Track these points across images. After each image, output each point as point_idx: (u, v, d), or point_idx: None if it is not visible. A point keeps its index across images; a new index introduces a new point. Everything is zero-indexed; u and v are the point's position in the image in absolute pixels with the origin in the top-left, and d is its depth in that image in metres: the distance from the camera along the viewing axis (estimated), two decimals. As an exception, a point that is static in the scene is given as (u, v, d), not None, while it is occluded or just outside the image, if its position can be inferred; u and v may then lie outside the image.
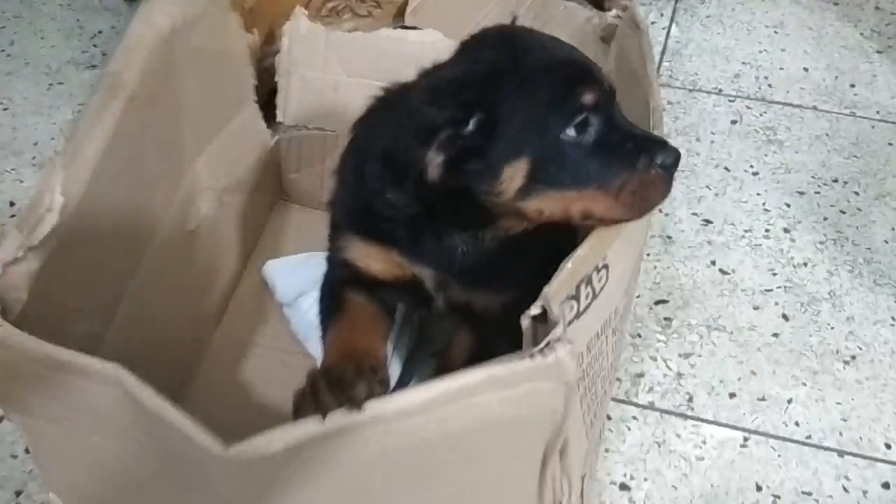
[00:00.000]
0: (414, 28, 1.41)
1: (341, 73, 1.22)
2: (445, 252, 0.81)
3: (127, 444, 0.65)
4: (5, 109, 1.59)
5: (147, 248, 0.93)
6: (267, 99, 1.27)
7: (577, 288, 0.68)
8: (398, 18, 1.46)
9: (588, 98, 0.71)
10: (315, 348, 1.12)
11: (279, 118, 1.24)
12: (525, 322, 0.64)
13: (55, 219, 0.71)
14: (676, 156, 0.72)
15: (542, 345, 0.61)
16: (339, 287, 0.90)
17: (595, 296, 0.71)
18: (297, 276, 1.17)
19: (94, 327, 0.83)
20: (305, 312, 1.14)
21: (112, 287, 0.87)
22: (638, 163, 0.71)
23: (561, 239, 0.77)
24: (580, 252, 0.68)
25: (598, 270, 0.71)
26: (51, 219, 0.71)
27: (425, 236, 0.80)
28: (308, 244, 1.27)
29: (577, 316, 0.69)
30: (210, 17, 1.00)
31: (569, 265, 0.67)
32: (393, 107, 0.81)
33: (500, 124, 0.69)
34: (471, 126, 0.69)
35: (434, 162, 0.69)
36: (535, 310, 0.63)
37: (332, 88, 1.23)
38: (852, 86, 1.66)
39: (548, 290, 0.64)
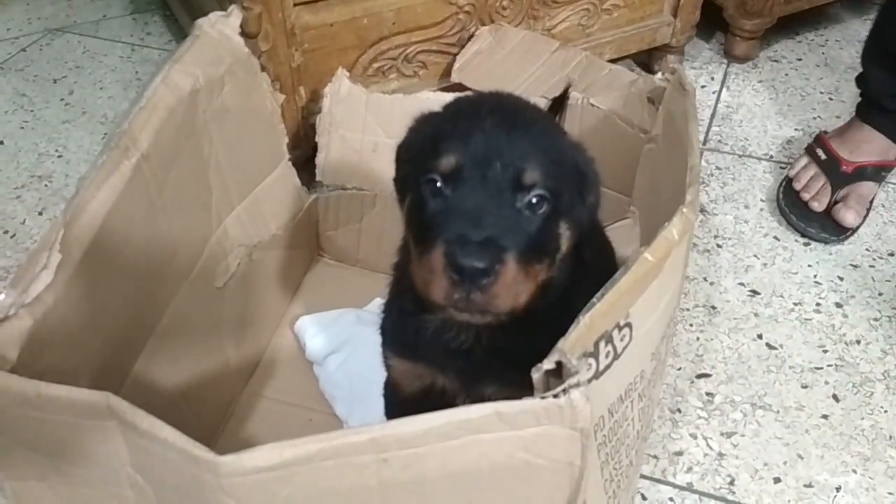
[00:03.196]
0: (458, 87, 1.42)
1: (381, 134, 1.23)
2: (455, 348, 0.81)
3: (122, 493, 0.63)
4: (60, 157, 1.63)
5: (168, 305, 0.93)
6: (312, 154, 1.28)
7: (596, 345, 0.64)
8: (444, 78, 1.48)
9: (443, 163, 0.71)
10: (342, 409, 1.10)
11: (318, 177, 1.25)
12: (536, 375, 0.60)
13: (50, 277, 0.70)
14: (472, 264, 0.65)
15: (556, 389, 0.58)
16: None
17: (616, 356, 0.67)
18: (327, 334, 1.16)
19: (104, 384, 0.82)
20: (333, 372, 1.13)
21: (126, 344, 0.87)
22: (437, 246, 0.67)
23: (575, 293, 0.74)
24: (599, 306, 0.65)
25: (620, 328, 0.67)
26: (46, 277, 0.70)
27: (433, 336, 0.81)
28: (343, 301, 1.27)
29: (597, 375, 0.65)
30: (236, 77, 1.01)
31: (585, 320, 0.63)
32: None
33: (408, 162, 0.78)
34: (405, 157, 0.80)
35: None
36: (548, 364, 0.60)
37: (371, 149, 1.23)
38: (911, 155, 1.60)
39: (563, 344, 0.61)
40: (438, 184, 0.71)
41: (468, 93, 0.83)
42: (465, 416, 0.57)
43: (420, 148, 0.76)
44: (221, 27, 1.03)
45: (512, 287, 0.67)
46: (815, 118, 1.71)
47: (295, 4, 1.26)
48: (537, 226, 0.72)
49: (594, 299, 0.65)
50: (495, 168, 0.69)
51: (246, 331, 1.14)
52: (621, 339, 0.68)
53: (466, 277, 0.65)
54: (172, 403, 0.98)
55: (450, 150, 0.71)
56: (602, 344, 0.65)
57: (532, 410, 0.58)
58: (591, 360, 0.65)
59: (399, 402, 0.94)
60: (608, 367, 0.67)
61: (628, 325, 0.68)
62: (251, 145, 1.08)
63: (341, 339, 1.14)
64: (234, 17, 1.06)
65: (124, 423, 0.59)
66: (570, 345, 0.61)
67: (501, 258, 0.66)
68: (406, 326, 0.83)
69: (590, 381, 0.65)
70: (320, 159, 1.24)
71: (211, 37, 1.01)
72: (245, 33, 1.18)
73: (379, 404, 0.99)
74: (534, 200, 0.71)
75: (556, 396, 0.58)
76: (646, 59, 1.81)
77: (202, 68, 0.96)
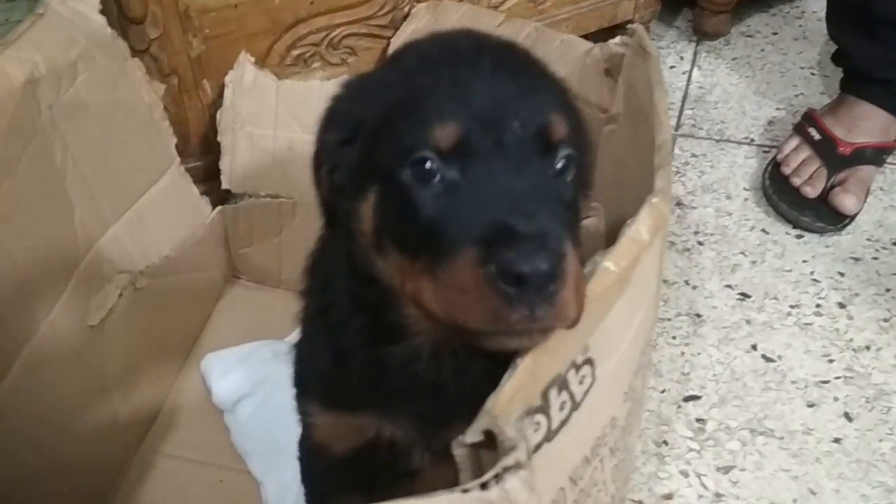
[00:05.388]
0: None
1: (297, 129, 1.04)
2: (424, 385, 0.62)
3: None
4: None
5: (14, 358, 0.74)
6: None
7: (545, 396, 0.47)
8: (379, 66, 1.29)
9: (439, 137, 0.51)
10: (257, 467, 0.91)
11: (224, 184, 1.06)
12: (459, 452, 0.44)
13: None
14: (536, 268, 0.46)
15: (486, 476, 0.41)
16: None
17: (576, 405, 0.50)
18: (238, 374, 0.97)
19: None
20: (246, 422, 0.94)
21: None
22: (466, 250, 0.48)
23: None
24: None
25: (578, 368, 0.50)
26: None
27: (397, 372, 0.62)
28: (265, 330, 1.08)
29: (549, 436, 0.48)
30: (94, 64, 0.82)
31: (526, 361, 0.46)
32: None
33: (359, 141, 0.57)
34: (338, 136, 0.59)
35: (321, 173, 0.60)
36: (472, 436, 0.43)
37: (286, 148, 1.04)
38: (907, 131, 1.44)
39: (492, 404, 0.44)
40: (432, 164, 0.51)
41: (419, 38, 0.63)
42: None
43: (382, 120, 0.55)
44: (75, 4, 0.83)
45: (578, 287, 0.49)
46: (797, 95, 1.54)
47: (188, -19, 1.06)
48: (570, 197, 0.55)
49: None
50: (512, 128, 0.52)
51: (139, 376, 0.94)
52: (580, 382, 0.50)
53: (530, 288, 0.46)
54: (33, 479, 0.78)
55: (444, 114, 0.52)
56: (553, 393, 0.47)
57: (449, 510, 0.39)
58: (540, 417, 0.47)
59: (328, 467, 0.74)
60: (565, 421, 0.49)
61: (588, 361, 0.50)
62: (125, 148, 0.89)
63: (254, 381, 0.95)
64: (93, -9, 0.87)
65: None
66: (505, 403, 0.43)
67: (563, 251, 0.47)
68: (344, 369, 0.64)
69: (539, 446, 0.46)
70: (225, 163, 1.05)
71: (60, 16, 0.82)
72: (128, 18, 0.99)
73: (299, 460, 0.80)
74: (562, 164, 0.54)
75: (484, 487, 0.39)
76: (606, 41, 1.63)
77: (44, 53, 0.77)
